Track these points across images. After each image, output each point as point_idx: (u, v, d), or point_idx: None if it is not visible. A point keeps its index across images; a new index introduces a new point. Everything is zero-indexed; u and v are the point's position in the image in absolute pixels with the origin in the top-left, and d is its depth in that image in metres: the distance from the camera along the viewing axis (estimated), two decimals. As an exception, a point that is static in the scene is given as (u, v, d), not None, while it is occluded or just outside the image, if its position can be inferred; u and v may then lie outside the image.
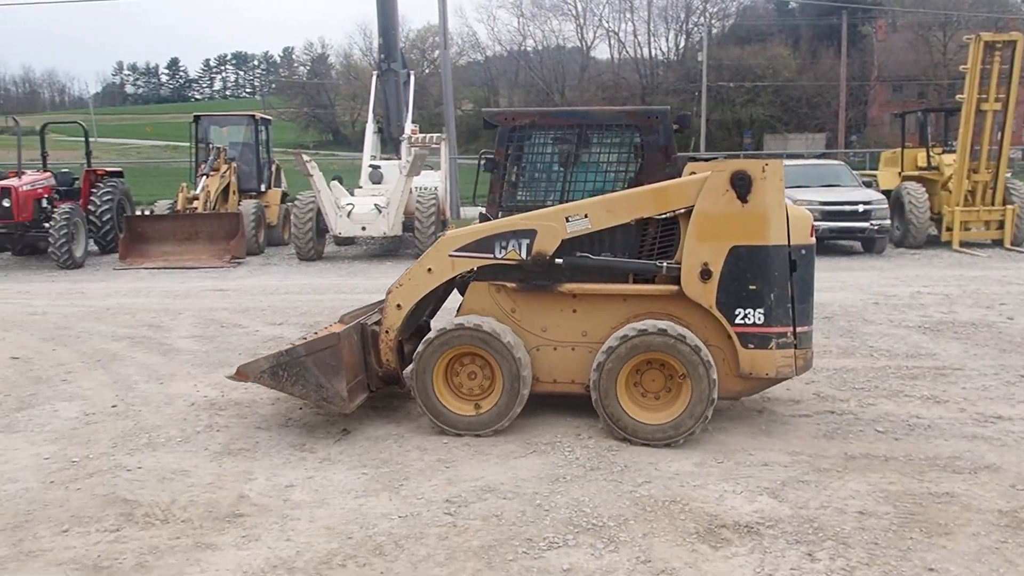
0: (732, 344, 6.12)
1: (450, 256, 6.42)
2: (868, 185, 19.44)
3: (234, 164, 19.18)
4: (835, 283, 13.71)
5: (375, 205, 16.46)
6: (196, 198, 17.74)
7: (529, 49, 70.15)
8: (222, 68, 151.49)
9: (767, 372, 6.12)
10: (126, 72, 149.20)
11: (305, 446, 6.14)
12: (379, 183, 17.83)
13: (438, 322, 7.09)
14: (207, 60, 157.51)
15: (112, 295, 13.21)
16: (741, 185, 5.97)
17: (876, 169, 22.62)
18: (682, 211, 6.17)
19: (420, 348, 6.36)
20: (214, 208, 17.96)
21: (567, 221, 6.22)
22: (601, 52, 74.77)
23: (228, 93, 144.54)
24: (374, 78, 19.76)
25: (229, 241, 17.08)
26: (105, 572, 4.29)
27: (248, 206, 18.39)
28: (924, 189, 18.38)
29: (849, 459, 5.76)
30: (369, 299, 7.42)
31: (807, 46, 59.39)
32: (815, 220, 16.85)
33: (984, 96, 17.28)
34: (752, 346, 6.08)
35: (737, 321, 6.06)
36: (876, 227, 17.22)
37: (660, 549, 4.48)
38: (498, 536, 4.65)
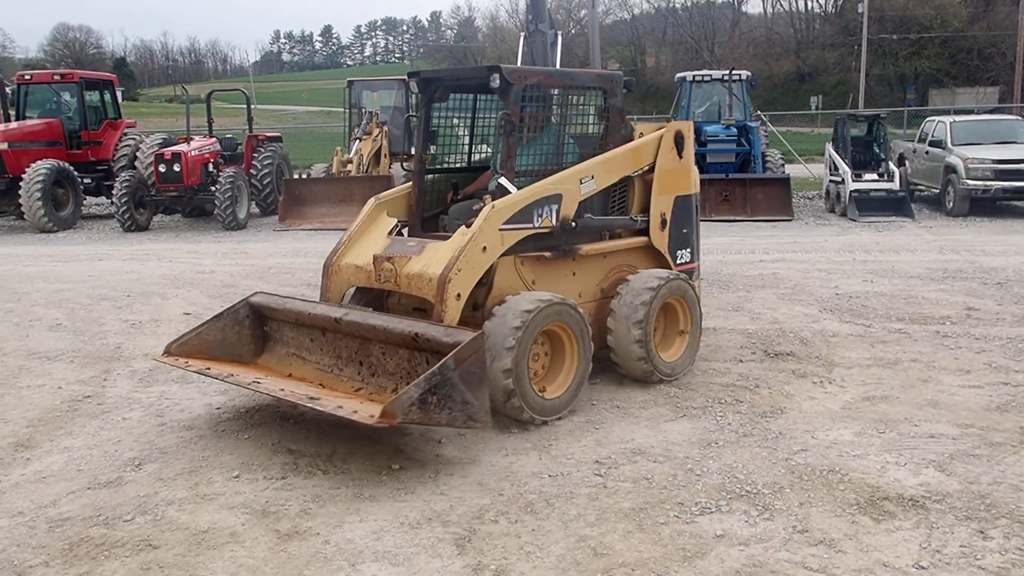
0: None
1: (500, 230, 5.82)
2: (1049, 142, 17.95)
3: (386, 128, 19.66)
4: (1009, 247, 12.79)
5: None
6: (350, 161, 18.31)
7: (678, 6, 68.34)
8: (372, 34, 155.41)
9: None
10: (283, 40, 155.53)
11: (456, 403, 6.28)
12: (526, 145, 17.87)
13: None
14: (358, 26, 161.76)
15: (273, 255, 13.89)
16: (680, 142, 6.89)
17: (1058, 124, 20.81)
18: (647, 168, 6.77)
19: (518, 323, 5.45)
20: (367, 171, 18.50)
21: (580, 183, 6.28)
22: (753, 6, 72.41)
23: (378, 58, 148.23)
24: (521, 39, 19.63)
25: (380, 203, 17.52)
26: (273, 517, 4.54)
27: (399, 169, 18.84)
28: (1114, 145, 16.82)
29: (1025, 434, 5.40)
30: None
31: (981, -8, 54.97)
32: (988, 179, 16.10)
33: None
34: None
35: (678, 261, 7.07)
36: (1057, 187, 15.94)
37: (818, 519, 4.34)
38: (649, 499, 4.62)
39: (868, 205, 16.85)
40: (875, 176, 17.39)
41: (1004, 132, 17.87)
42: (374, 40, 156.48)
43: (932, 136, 18.42)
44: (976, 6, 54.18)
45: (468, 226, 5.76)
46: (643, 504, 4.57)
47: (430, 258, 5.80)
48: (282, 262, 13.09)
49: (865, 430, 5.54)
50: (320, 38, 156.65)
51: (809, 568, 3.89)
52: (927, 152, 18.38)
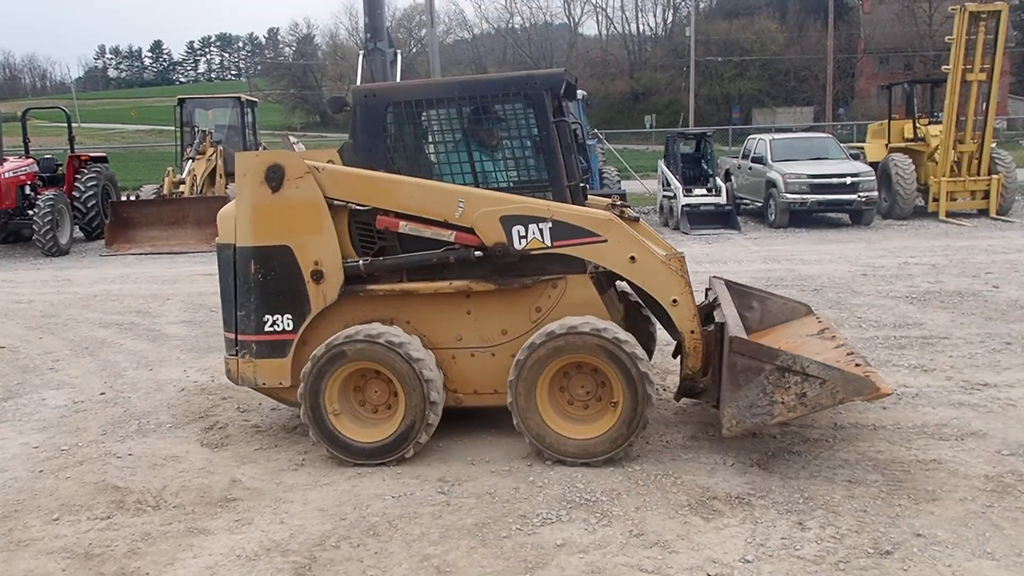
0: None
1: None
2: (856, 157, 19.45)
3: (220, 147, 19.05)
4: (823, 255, 13.75)
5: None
6: (182, 182, 17.63)
7: (516, 26, 69.89)
8: (206, 50, 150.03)
9: None
10: (108, 56, 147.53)
11: (296, 429, 6.13)
12: (367, 164, 17.75)
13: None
14: (191, 42, 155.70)
15: (99, 282, 13.14)
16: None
17: (863, 141, 22.64)
18: None
19: None
20: (201, 192, 17.86)
21: None
22: (589, 28, 74.90)
23: (213, 75, 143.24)
24: (360, 58, 19.58)
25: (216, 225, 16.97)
26: (97, 560, 4.28)
27: (235, 190, 18.26)
28: (911, 160, 18.42)
29: (838, 429, 5.79)
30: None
31: (794, 19, 59.21)
32: (804, 193, 17.27)
33: (969, 67, 17.27)
34: None
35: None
36: (863, 199, 17.27)
37: (653, 522, 4.50)
38: (492, 513, 4.66)
39: (698, 218, 17.71)
40: (704, 191, 18.30)
41: (818, 149, 19.21)
42: (208, 56, 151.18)
43: (754, 153, 19.59)
44: (791, 32, 58.28)
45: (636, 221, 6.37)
46: (486, 519, 4.60)
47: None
48: (109, 289, 12.39)
49: (697, 433, 5.79)
50: (150, 54, 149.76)
51: (644, 570, 4.03)
52: (750, 168, 19.52)
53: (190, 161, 18.05)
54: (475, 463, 5.36)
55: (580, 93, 21.21)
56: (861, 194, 17.22)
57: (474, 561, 4.16)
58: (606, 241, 5.37)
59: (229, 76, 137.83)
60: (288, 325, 5.57)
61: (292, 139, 16.02)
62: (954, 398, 6.33)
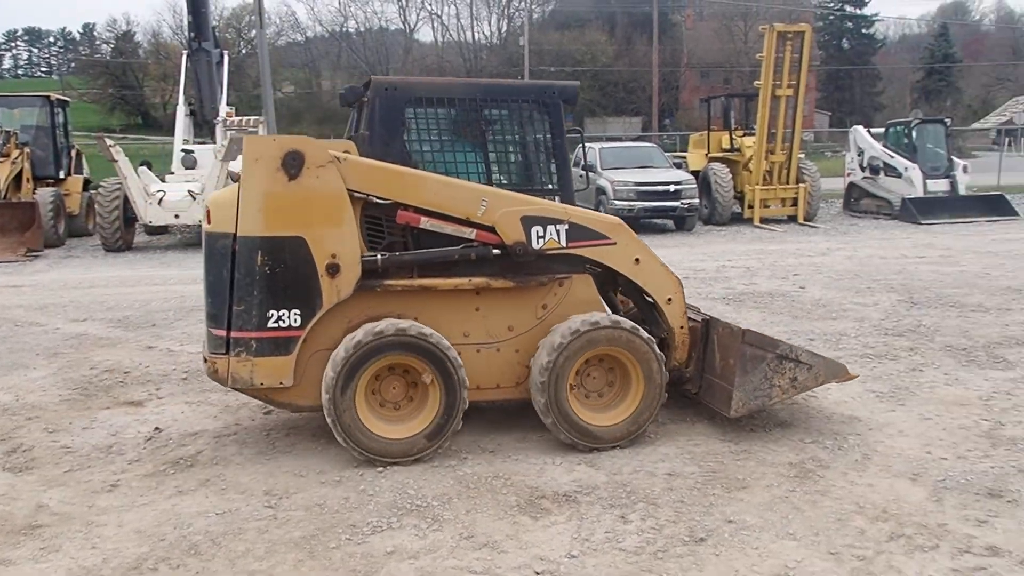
0: None
1: None
2: (679, 166, 20.45)
3: (27, 149, 17.77)
4: (650, 260, 14.34)
5: (188, 191, 15.71)
6: (-17, 187, 16.31)
7: (351, 30, 68.90)
8: (12, 45, 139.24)
9: None
10: None
11: (112, 448, 5.81)
12: (193, 168, 17.08)
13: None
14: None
15: None
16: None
17: (686, 151, 23.82)
18: None
19: None
20: (5, 197, 16.58)
21: None
22: (425, 35, 74.96)
23: (20, 72, 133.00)
24: (184, 58, 18.89)
25: (23, 233, 15.85)
26: None
27: (45, 194, 17.10)
28: (728, 170, 19.57)
29: (659, 425, 6.05)
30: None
31: (622, 33, 61.46)
32: (632, 200, 17.96)
33: (778, 83, 18.56)
34: None
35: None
36: (686, 206, 18.18)
37: (483, 524, 4.56)
38: (321, 525, 4.58)
39: (532, 225, 18.04)
40: (538, 198, 18.68)
41: (644, 158, 20.06)
42: (14, 51, 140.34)
43: (585, 161, 20.19)
44: (620, 44, 60.55)
45: None
46: (315, 531, 4.52)
47: None
48: (-102, 303, 11.28)
49: (526, 435, 5.89)
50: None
51: (474, 572, 4.08)
52: (581, 175, 20.10)
53: (-8, 164, 16.74)
54: (304, 474, 5.26)
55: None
56: (684, 201, 18.13)
57: (302, 574, 4.08)
58: (615, 244, 5.80)
59: (39, 73, 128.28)
60: (295, 321, 5.25)
61: (109, 142, 15.17)
62: (764, 392, 6.76)
